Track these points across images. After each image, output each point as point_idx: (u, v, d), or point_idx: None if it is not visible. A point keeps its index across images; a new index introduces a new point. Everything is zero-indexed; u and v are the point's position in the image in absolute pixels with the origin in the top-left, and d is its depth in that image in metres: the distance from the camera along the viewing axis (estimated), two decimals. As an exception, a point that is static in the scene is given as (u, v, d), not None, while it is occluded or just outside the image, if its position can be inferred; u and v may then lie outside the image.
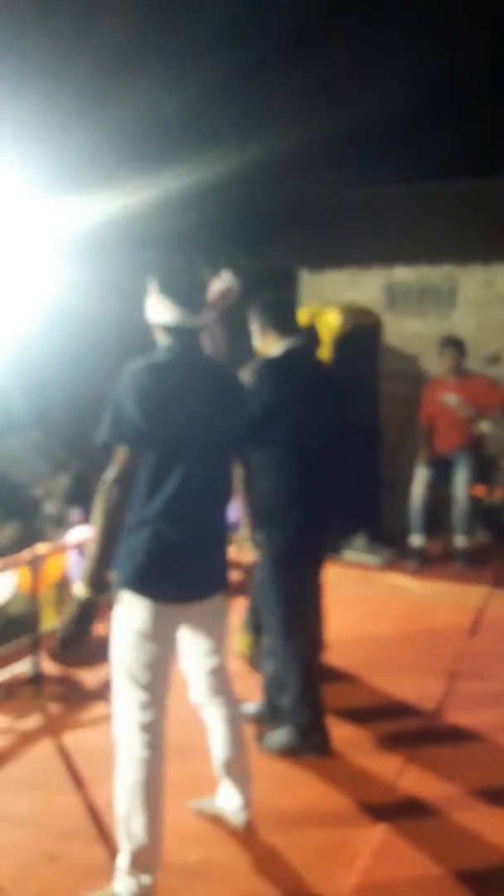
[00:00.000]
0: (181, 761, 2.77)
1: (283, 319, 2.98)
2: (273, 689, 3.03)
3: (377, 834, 2.46)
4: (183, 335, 2.15)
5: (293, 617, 2.91)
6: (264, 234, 8.46)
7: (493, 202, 8.44)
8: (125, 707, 2.12)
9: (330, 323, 5.38)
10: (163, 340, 2.19)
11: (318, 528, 3.00)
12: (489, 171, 8.83)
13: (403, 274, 7.57)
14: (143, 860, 2.04)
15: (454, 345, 5.58)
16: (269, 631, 3.00)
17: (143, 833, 2.03)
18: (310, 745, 2.91)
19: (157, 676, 2.11)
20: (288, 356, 2.92)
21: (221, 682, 2.38)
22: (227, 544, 2.34)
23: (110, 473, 2.02)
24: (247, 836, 2.43)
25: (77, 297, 5.95)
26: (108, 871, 2.19)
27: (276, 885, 2.23)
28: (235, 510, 5.88)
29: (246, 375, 2.89)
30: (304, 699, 2.90)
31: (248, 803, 2.44)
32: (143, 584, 2.09)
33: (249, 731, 2.81)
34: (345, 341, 5.40)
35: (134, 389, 2.02)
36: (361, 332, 5.76)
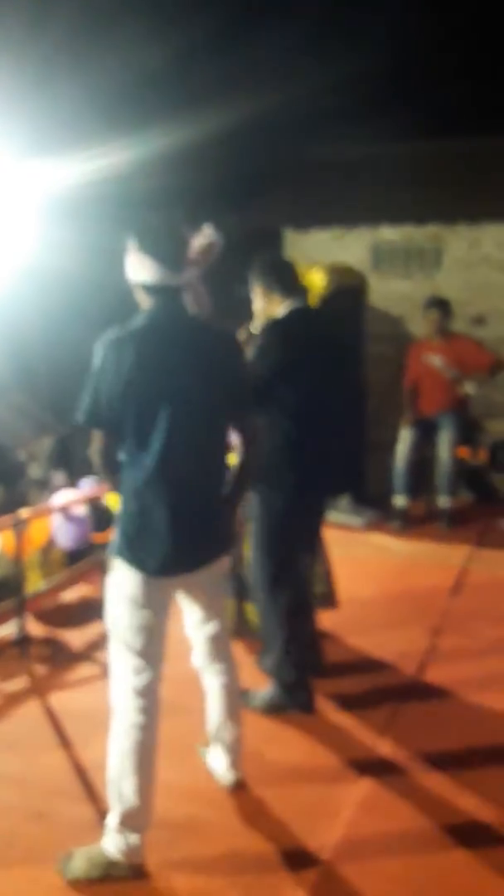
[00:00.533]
0: (174, 720, 2.77)
1: (287, 280, 2.96)
2: (265, 644, 3.01)
3: (361, 789, 2.48)
4: (165, 295, 2.06)
5: (280, 576, 2.91)
6: (248, 193, 8.29)
7: (479, 161, 8.30)
8: (120, 672, 2.10)
9: (315, 283, 5.29)
10: (143, 301, 2.11)
11: (316, 489, 3.00)
12: (475, 131, 8.67)
13: (389, 234, 7.45)
14: (133, 820, 2.05)
15: (439, 306, 5.51)
16: (257, 589, 2.99)
17: (133, 795, 2.03)
18: (295, 702, 2.92)
19: (151, 642, 2.10)
20: (296, 316, 2.89)
21: (220, 649, 2.37)
22: (227, 509, 2.26)
23: (93, 457, 2.04)
24: (234, 793, 2.44)
25: (58, 259, 5.80)
26: (95, 829, 2.20)
27: (261, 839, 2.24)
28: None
29: (242, 336, 2.86)
30: (289, 657, 2.90)
31: (236, 766, 2.45)
32: (133, 555, 2.06)
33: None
34: (330, 302, 5.32)
35: (105, 369, 1.97)
36: (347, 293, 5.68)
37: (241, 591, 3.49)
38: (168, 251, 2.03)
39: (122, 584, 2.08)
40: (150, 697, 2.09)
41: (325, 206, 7.86)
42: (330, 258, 7.50)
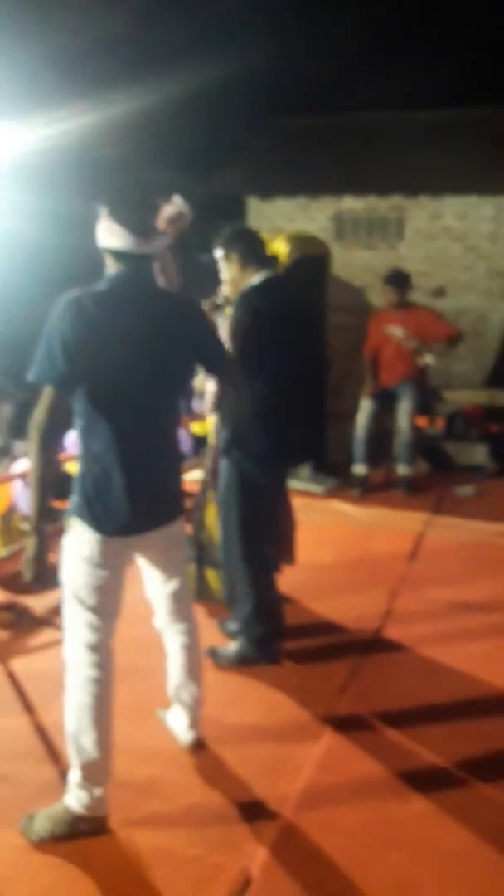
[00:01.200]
0: (134, 682, 2.80)
1: (261, 251, 2.99)
2: (235, 603, 3.07)
3: (321, 746, 2.52)
4: (133, 262, 2.04)
5: (253, 538, 2.96)
6: (212, 160, 8.14)
7: (442, 134, 8.27)
8: (74, 628, 2.10)
9: (279, 251, 5.23)
10: (111, 267, 2.07)
11: (287, 455, 3.08)
12: (442, 104, 8.61)
13: (352, 204, 7.40)
14: (94, 774, 2.05)
15: (395, 282, 5.49)
16: (227, 548, 3.03)
17: (93, 748, 2.04)
18: (264, 655, 2.99)
19: (106, 600, 2.09)
20: (270, 285, 2.92)
21: (181, 609, 2.37)
22: (180, 473, 2.28)
23: (37, 414, 1.96)
24: (194, 753, 2.46)
25: (16, 224, 5.64)
26: (58, 790, 2.19)
27: (222, 797, 2.26)
28: (186, 441, 5.79)
29: (207, 307, 2.88)
30: (259, 611, 2.98)
31: (195, 725, 2.46)
32: (90, 515, 2.04)
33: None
34: (293, 271, 5.26)
35: (62, 326, 1.92)
36: (310, 262, 5.62)
37: (200, 557, 3.51)
38: (138, 219, 2.01)
39: (78, 543, 2.07)
40: (103, 653, 2.10)
41: (290, 175, 7.77)
42: (294, 227, 7.43)
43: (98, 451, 2.03)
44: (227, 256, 2.94)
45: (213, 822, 2.16)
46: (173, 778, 2.35)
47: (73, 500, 2.08)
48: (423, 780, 2.34)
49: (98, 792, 2.06)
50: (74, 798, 2.07)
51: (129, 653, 2.95)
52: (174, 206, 2.05)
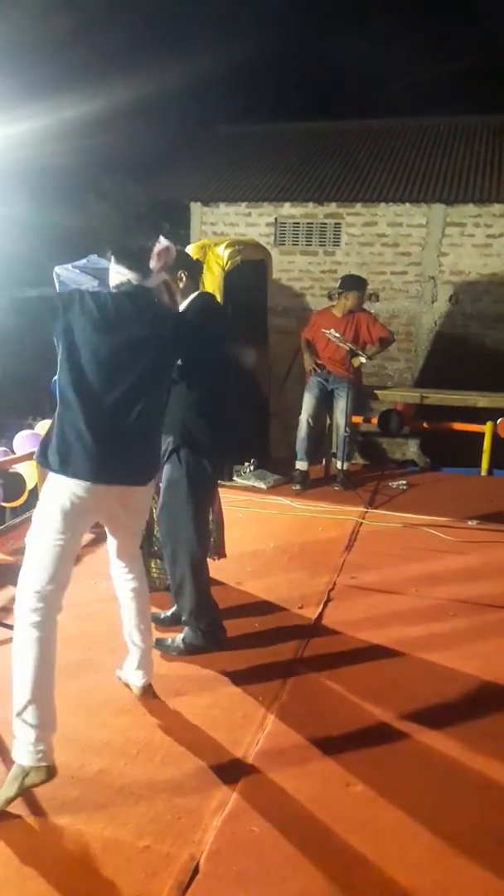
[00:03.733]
0: (85, 676, 2.77)
1: (199, 272, 3.16)
2: (179, 597, 3.09)
3: (265, 730, 2.52)
4: (134, 289, 2.35)
5: (200, 528, 3.04)
6: (156, 165, 8.03)
7: (377, 144, 8.36)
8: (27, 576, 2.20)
9: (221, 256, 5.19)
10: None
11: (229, 450, 3.26)
12: (378, 114, 8.68)
13: (292, 210, 7.41)
14: (36, 718, 2.07)
15: (359, 287, 5.45)
16: (176, 541, 3.03)
17: (33, 693, 2.08)
18: (210, 642, 3.06)
19: (63, 554, 2.21)
20: (210, 298, 3.08)
21: (133, 561, 2.56)
22: (154, 447, 2.47)
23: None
24: (145, 744, 2.43)
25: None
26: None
27: (170, 786, 2.24)
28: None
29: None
30: (206, 602, 3.06)
31: (146, 667, 2.62)
32: (61, 459, 2.22)
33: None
34: (234, 275, 5.24)
35: (63, 300, 2.29)
36: (251, 266, 5.61)
37: (145, 547, 3.50)
38: (137, 263, 2.34)
39: (52, 490, 2.24)
40: (49, 604, 2.18)
41: (232, 182, 7.73)
42: (235, 232, 7.40)
43: (74, 406, 2.23)
44: (173, 276, 2.92)
45: (161, 812, 2.13)
46: (121, 769, 2.31)
47: (50, 449, 2.25)
48: (362, 763, 2.37)
49: (40, 737, 2.07)
50: (18, 749, 2.08)
51: (78, 648, 2.92)
52: (159, 244, 2.36)
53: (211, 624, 3.07)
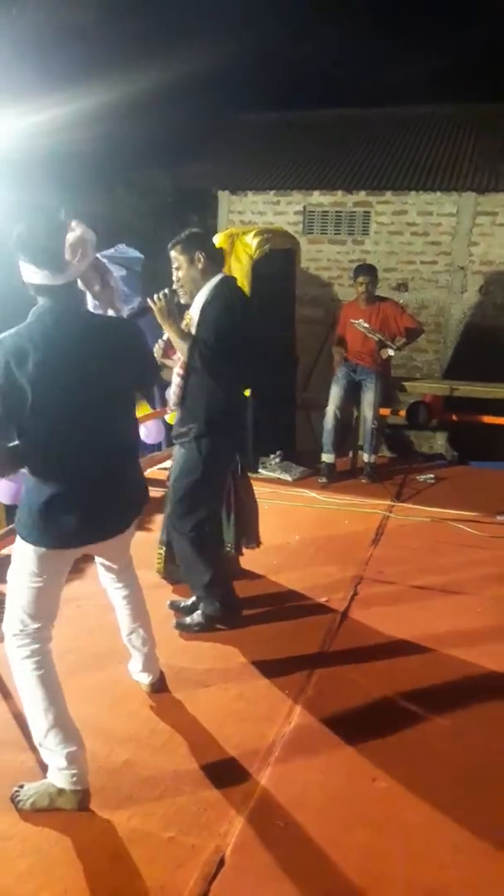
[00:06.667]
0: (108, 666, 2.79)
1: (219, 255, 3.06)
2: (191, 576, 3.16)
3: (291, 723, 2.52)
4: (55, 292, 1.99)
5: (210, 516, 3.10)
6: (183, 153, 8.00)
7: (408, 132, 8.24)
8: (10, 616, 2.12)
9: (249, 245, 5.17)
10: (38, 299, 2.02)
11: (247, 443, 3.29)
12: (408, 101, 8.56)
13: (320, 199, 7.34)
14: (62, 747, 2.06)
15: (367, 273, 5.48)
16: (186, 521, 3.06)
17: (53, 719, 2.05)
18: (229, 611, 3.14)
19: (43, 604, 2.10)
20: (230, 284, 2.98)
21: (123, 570, 2.44)
22: (133, 481, 2.23)
23: None
24: (170, 735, 2.45)
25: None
26: (36, 776, 2.17)
27: (196, 777, 2.26)
28: (155, 432, 5.70)
29: (158, 303, 2.87)
30: (218, 575, 3.12)
31: (149, 668, 2.61)
32: (33, 530, 2.03)
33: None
34: (262, 264, 5.22)
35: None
36: (279, 255, 5.57)
37: (169, 540, 3.54)
38: (48, 256, 1.94)
39: (22, 556, 2.08)
40: (39, 639, 2.10)
41: (260, 171, 7.68)
42: (264, 221, 7.36)
43: (45, 472, 2.01)
44: (191, 256, 2.90)
45: (187, 803, 2.14)
46: (147, 759, 2.33)
47: (19, 513, 2.07)
48: (388, 758, 2.36)
49: (70, 758, 2.05)
50: (51, 773, 2.09)
51: (103, 638, 2.95)
52: (73, 233, 1.96)
53: (226, 595, 3.14)
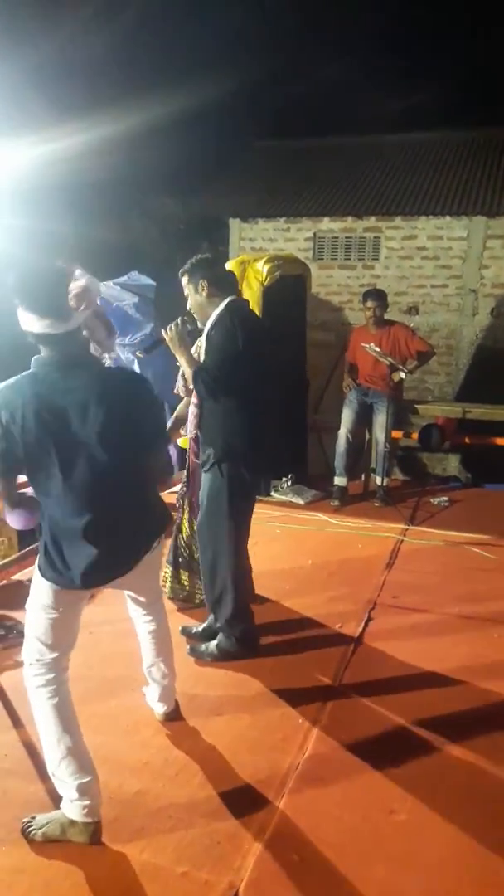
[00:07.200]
0: (123, 694, 2.76)
1: (226, 278, 3.02)
2: (216, 606, 3.12)
3: (306, 753, 2.47)
4: (57, 341, 1.92)
5: (240, 541, 3.08)
6: (195, 182, 8.11)
7: (416, 157, 8.32)
8: (29, 646, 2.10)
9: (260, 272, 5.21)
10: (40, 347, 1.97)
11: (269, 464, 3.29)
12: (415, 128, 8.65)
13: (330, 225, 7.40)
14: (73, 779, 2.03)
15: (375, 297, 5.49)
16: (216, 552, 3.05)
17: (66, 749, 2.02)
18: (245, 648, 3.10)
19: (60, 637, 2.09)
20: (240, 306, 2.97)
21: (152, 602, 2.44)
22: (148, 514, 2.19)
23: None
24: (183, 766, 2.40)
25: (6, 244, 5.54)
26: (46, 808, 2.14)
27: (208, 809, 2.21)
28: (174, 454, 5.72)
29: (169, 333, 2.92)
30: (243, 611, 3.10)
31: (166, 699, 2.61)
32: (50, 570, 2.03)
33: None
34: (274, 290, 5.25)
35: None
36: (290, 281, 5.61)
37: (176, 560, 3.59)
38: (48, 305, 1.87)
39: (39, 591, 2.07)
40: (56, 669, 2.08)
41: (270, 198, 7.76)
42: (274, 248, 7.43)
43: (55, 517, 2.01)
44: (195, 284, 2.93)
45: (200, 836, 2.10)
46: (160, 790, 2.28)
47: (39, 552, 2.07)
48: (406, 790, 2.30)
49: (81, 790, 2.02)
50: (64, 804, 2.06)
51: (117, 665, 2.92)
52: (77, 283, 1.90)
53: (245, 631, 3.11)
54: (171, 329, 2.93)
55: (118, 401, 1.98)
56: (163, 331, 2.97)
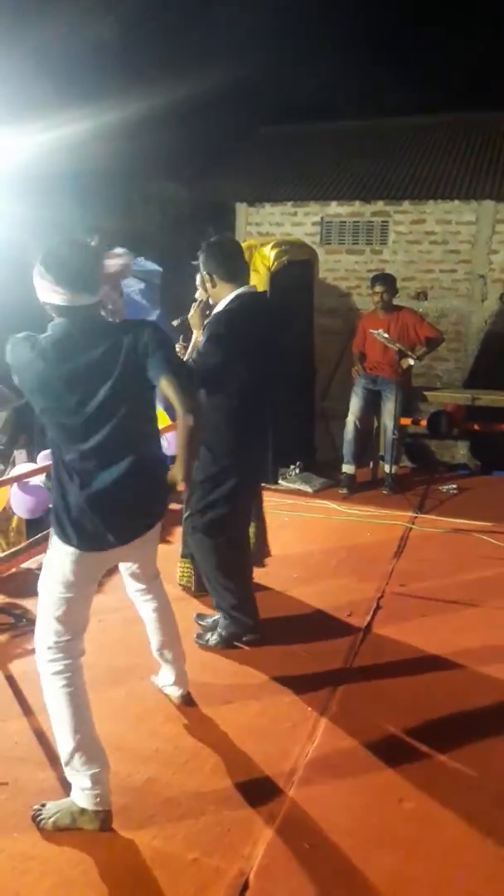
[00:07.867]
0: (131, 682, 2.77)
1: (235, 268, 2.92)
2: (217, 596, 3.13)
3: (314, 742, 2.47)
4: (77, 313, 1.96)
5: (239, 534, 3.10)
6: (201, 166, 8.04)
7: (424, 141, 8.22)
8: (41, 630, 2.11)
9: (267, 257, 5.17)
10: (58, 317, 1.99)
11: (261, 463, 3.29)
12: (423, 110, 8.55)
13: (338, 209, 7.33)
14: (84, 766, 2.04)
15: (384, 282, 5.44)
16: (216, 547, 3.04)
17: (76, 745, 2.03)
18: (248, 631, 3.12)
19: (74, 612, 2.10)
20: (242, 302, 2.87)
21: (151, 581, 2.45)
22: (156, 484, 2.14)
23: None
24: (193, 754, 2.41)
25: (7, 232, 5.51)
26: (57, 795, 2.15)
27: (218, 797, 2.22)
28: (175, 443, 5.73)
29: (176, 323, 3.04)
30: (247, 601, 3.10)
31: (180, 681, 2.62)
32: (63, 532, 2.05)
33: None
34: (281, 275, 5.21)
35: (23, 364, 1.96)
36: (297, 267, 5.56)
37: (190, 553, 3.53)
38: (75, 277, 1.91)
39: (55, 557, 2.09)
40: (70, 653, 2.09)
41: (277, 182, 7.69)
42: (281, 232, 7.36)
43: (64, 476, 2.04)
44: (203, 275, 2.92)
45: (210, 824, 2.11)
46: (170, 778, 2.30)
47: (52, 519, 2.10)
48: (415, 778, 2.30)
49: (94, 779, 2.03)
50: (75, 793, 2.07)
51: (126, 653, 2.93)
52: (119, 260, 1.96)
53: (246, 614, 3.12)
54: (193, 308, 2.99)
55: (128, 353, 1.98)
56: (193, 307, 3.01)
